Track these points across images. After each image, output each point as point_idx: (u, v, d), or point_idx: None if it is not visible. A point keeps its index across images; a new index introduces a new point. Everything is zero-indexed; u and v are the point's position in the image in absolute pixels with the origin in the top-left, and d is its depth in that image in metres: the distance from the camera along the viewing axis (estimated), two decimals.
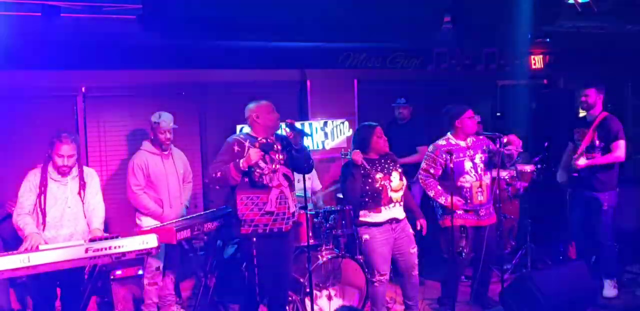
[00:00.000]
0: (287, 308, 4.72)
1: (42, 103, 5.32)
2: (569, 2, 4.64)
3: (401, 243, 4.65)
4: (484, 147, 5.00)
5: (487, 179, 4.94)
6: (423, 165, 4.97)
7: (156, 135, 4.94)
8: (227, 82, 6.14)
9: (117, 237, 3.85)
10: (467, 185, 4.86)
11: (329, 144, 6.50)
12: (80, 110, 5.47)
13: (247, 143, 4.20)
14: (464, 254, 4.74)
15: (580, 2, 4.68)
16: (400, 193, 4.64)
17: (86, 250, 3.66)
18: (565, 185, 5.69)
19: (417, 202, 6.18)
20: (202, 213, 5.09)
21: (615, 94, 8.64)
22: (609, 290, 5.36)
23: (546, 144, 6.18)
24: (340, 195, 5.94)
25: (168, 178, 5.00)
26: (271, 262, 4.24)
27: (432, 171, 4.91)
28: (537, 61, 7.61)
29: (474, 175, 4.86)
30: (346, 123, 6.58)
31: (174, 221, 4.64)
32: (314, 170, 6.01)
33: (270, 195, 4.20)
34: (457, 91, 7.07)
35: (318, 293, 4.86)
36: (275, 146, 4.30)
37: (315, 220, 4.94)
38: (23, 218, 4.11)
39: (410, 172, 5.76)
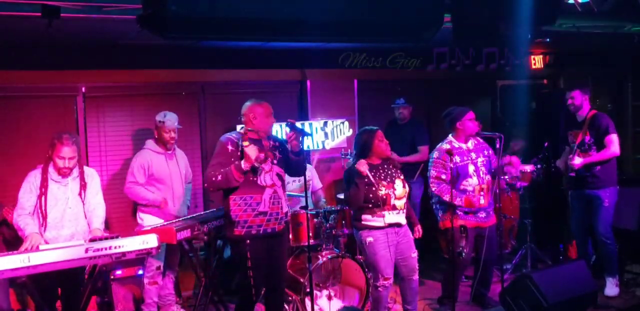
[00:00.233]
0: (287, 307, 4.72)
1: (42, 103, 5.32)
2: (569, 2, 4.64)
3: (403, 248, 4.64)
4: (485, 152, 5.02)
5: (487, 182, 4.95)
6: (432, 172, 4.91)
7: (161, 134, 4.95)
8: (227, 82, 6.15)
9: (117, 237, 3.85)
10: (470, 188, 4.87)
11: (329, 144, 6.50)
12: (80, 110, 5.47)
13: (240, 142, 4.12)
14: (464, 254, 4.75)
15: (580, 2, 4.68)
16: (404, 200, 4.61)
17: (86, 250, 3.66)
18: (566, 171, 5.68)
19: (418, 202, 6.20)
20: (202, 213, 5.10)
21: (615, 94, 8.67)
22: (611, 288, 5.36)
23: (546, 144, 6.19)
24: (341, 196, 5.94)
25: (172, 177, 5.02)
26: (266, 262, 4.22)
27: (443, 177, 4.86)
28: (537, 61, 7.61)
29: (477, 178, 4.87)
30: (346, 123, 6.58)
31: (174, 221, 4.65)
32: (314, 170, 6.04)
33: (264, 195, 4.14)
34: (457, 91, 7.08)
35: (318, 293, 4.86)
36: (270, 143, 4.28)
37: (315, 220, 4.94)
38: (24, 218, 4.11)
39: (410, 172, 5.78)
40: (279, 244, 4.33)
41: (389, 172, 4.61)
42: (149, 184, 4.95)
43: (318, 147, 6.45)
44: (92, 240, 3.81)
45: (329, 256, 4.88)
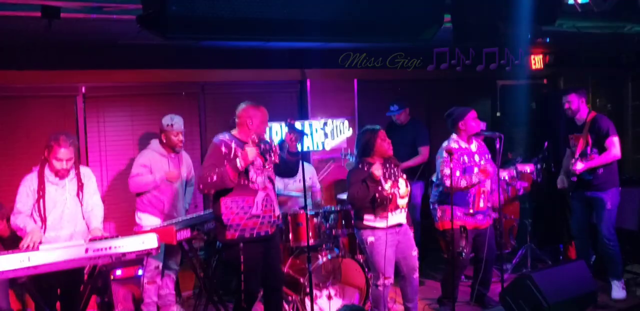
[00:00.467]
0: (287, 307, 4.73)
1: (42, 103, 5.31)
2: (569, 2, 4.63)
3: (404, 246, 4.65)
4: (486, 155, 5.03)
5: (487, 186, 4.95)
6: (446, 171, 4.73)
7: (169, 137, 4.96)
8: (227, 82, 6.15)
9: (117, 237, 3.85)
10: (473, 190, 4.87)
11: (329, 144, 6.49)
12: (80, 110, 5.47)
13: (233, 145, 4.09)
14: (464, 254, 4.75)
15: (580, 2, 4.67)
16: (406, 199, 4.61)
17: (86, 250, 3.66)
18: (564, 190, 5.68)
19: (418, 203, 6.20)
20: (202, 213, 5.10)
21: (615, 94, 8.67)
22: (618, 291, 5.34)
23: (546, 144, 6.19)
24: (341, 196, 5.94)
25: None
26: (263, 265, 4.20)
27: (457, 174, 4.76)
28: (537, 61, 7.60)
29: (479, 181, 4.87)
30: (346, 123, 6.58)
31: (174, 221, 4.65)
32: (314, 170, 6.04)
33: (257, 198, 4.11)
34: (457, 91, 7.08)
35: (318, 293, 4.86)
36: (272, 147, 4.28)
37: (315, 220, 4.94)
38: (22, 218, 4.10)
39: (410, 172, 5.76)
40: (273, 246, 4.32)
41: (392, 171, 4.61)
42: None
43: (318, 147, 6.44)
44: (92, 240, 3.81)
45: (329, 256, 4.88)
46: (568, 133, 5.60)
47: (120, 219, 5.59)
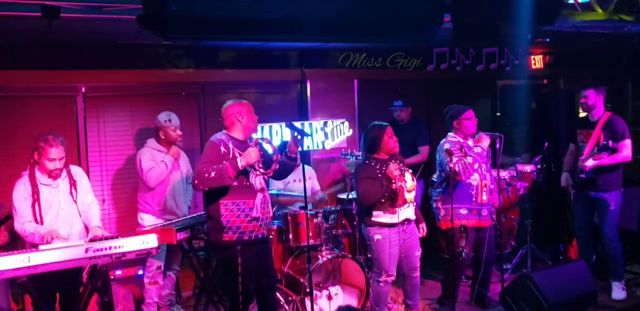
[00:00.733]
0: (287, 307, 4.72)
1: (42, 103, 5.32)
2: (569, 2, 4.64)
3: (408, 246, 4.65)
4: (484, 153, 5.02)
5: (488, 181, 4.95)
6: (450, 164, 4.67)
7: (167, 133, 4.99)
8: (227, 82, 6.15)
9: (117, 237, 3.85)
10: (475, 183, 4.87)
11: (329, 144, 6.50)
12: (80, 110, 5.47)
13: (231, 145, 4.03)
14: (464, 254, 4.75)
15: (580, 2, 4.68)
16: (413, 193, 4.62)
17: (86, 250, 3.65)
18: (567, 188, 5.68)
19: (417, 202, 6.20)
20: (202, 213, 5.09)
21: (615, 94, 8.66)
22: (618, 292, 5.33)
23: (546, 144, 6.19)
24: (341, 196, 5.94)
25: (173, 176, 5.05)
26: (258, 266, 4.17)
27: (460, 165, 4.67)
28: (537, 61, 7.61)
29: (479, 175, 4.87)
30: (346, 123, 6.58)
31: (174, 221, 4.65)
32: (313, 171, 6.04)
33: (256, 200, 4.06)
34: (457, 91, 7.08)
35: (318, 293, 4.86)
36: (275, 155, 4.23)
37: (315, 220, 4.94)
38: (29, 223, 4.06)
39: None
40: (267, 248, 4.33)
41: (399, 166, 4.61)
42: None
43: (318, 147, 6.45)
44: (92, 240, 3.80)
45: (329, 256, 4.88)
46: (576, 128, 5.57)
47: (120, 218, 5.59)
